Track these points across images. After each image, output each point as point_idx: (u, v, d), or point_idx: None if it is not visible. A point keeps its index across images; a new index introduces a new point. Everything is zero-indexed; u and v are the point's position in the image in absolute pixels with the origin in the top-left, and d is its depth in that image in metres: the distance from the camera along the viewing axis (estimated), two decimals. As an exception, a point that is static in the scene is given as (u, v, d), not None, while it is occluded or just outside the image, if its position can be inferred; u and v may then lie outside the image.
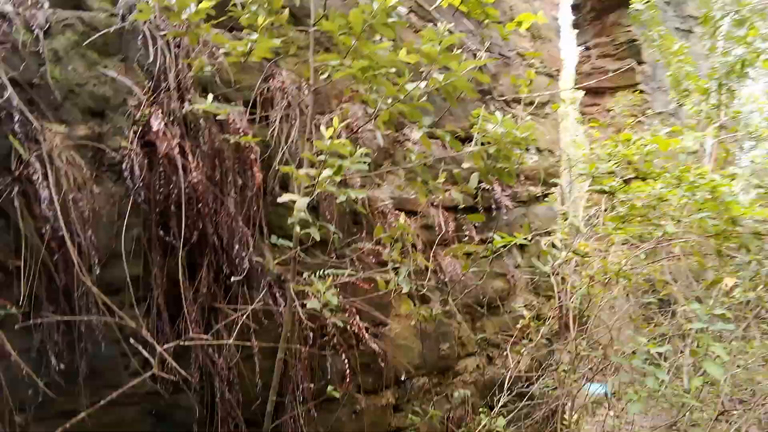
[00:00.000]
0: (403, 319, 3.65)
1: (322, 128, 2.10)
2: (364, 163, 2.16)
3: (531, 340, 4.70)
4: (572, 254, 3.54)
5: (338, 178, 2.14)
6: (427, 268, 3.71)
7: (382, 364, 3.42)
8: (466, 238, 4.03)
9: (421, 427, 3.72)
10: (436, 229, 3.83)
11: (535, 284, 4.70)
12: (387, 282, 2.63)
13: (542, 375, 4.75)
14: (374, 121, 2.39)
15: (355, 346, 3.32)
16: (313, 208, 3.22)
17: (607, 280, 3.34)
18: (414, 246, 3.66)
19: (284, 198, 2.20)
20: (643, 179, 2.86)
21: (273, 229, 2.93)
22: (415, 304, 3.55)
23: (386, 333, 3.50)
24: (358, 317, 3.06)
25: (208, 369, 2.66)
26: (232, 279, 2.64)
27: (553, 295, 4.91)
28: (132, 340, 2.33)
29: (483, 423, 3.96)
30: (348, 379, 3.10)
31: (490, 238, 4.24)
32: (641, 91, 6.66)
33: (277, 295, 2.87)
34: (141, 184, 2.44)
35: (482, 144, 2.34)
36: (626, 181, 2.96)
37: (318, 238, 2.28)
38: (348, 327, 3.11)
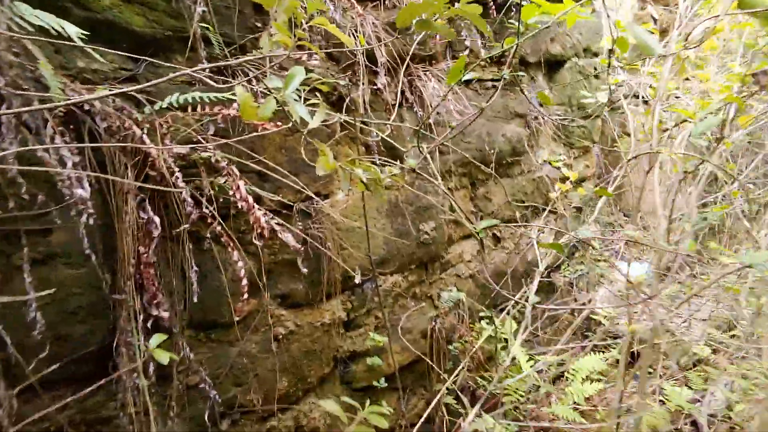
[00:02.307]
0: (356, 187, 2.20)
1: None
2: None
3: (555, 212, 3.30)
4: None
5: None
6: (396, 99, 2.17)
7: (322, 263, 2.03)
8: (467, 52, 2.44)
9: (390, 347, 2.43)
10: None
11: (567, 131, 3.18)
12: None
13: (570, 259, 3.43)
14: None
15: (263, 235, 1.90)
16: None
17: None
18: (369, 61, 2.10)
19: None
20: None
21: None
22: (374, 162, 2.08)
23: (325, 210, 2.06)
24: (242, 185, 1.59)
25: None
26: None
27: (591, 146, 3.41)
28: None
29: (485, 332, 2.68)
30: (244, 295, 1.71)
31: (502, 55, 2.66)
32: None
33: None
34: None
35: None
36: None
37: None
38: (236, 203, 1.65)
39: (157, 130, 1.54)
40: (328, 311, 2.18)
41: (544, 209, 3.15)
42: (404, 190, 2.36)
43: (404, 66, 2.20)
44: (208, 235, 1.71)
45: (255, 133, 1.75)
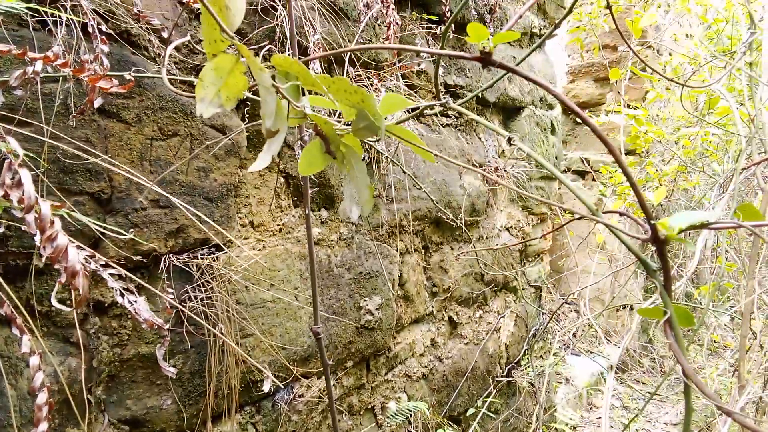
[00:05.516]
0: (271, 233, 1.42)
1: None
2: None
3: (515, 291, 2.66)
4: None
5: None
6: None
7: (208, 359, 1.20)
8: (420, 67, 1.85)
9: (317, 493, 1.55)
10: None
11: (522, 196, 2.62)
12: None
13: (528, 352, 2.76)
14: None
15: (83, 304, 1.06)
16: None
17: None
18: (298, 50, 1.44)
19: None
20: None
21: None
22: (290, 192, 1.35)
23: (221, 268, 1.25)
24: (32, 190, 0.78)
25: None
26: None
27: (549, 213, 2.88)
28: None
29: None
30: (42, 425, 0.83)
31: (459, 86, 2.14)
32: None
33: None
34: None
35: None
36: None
37: None
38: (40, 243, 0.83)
39: None
40: (215, 443, 1.29)
41: (504, 286, 2.51)
42: (339, 249, 1.60)
43: (344, 67, 1.54)
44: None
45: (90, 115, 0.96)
